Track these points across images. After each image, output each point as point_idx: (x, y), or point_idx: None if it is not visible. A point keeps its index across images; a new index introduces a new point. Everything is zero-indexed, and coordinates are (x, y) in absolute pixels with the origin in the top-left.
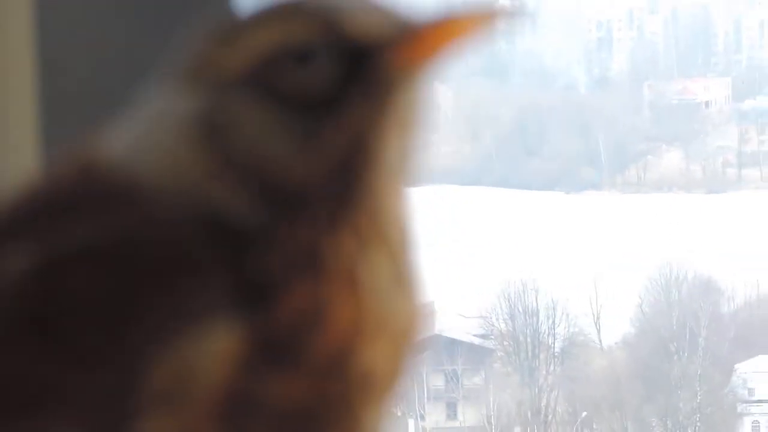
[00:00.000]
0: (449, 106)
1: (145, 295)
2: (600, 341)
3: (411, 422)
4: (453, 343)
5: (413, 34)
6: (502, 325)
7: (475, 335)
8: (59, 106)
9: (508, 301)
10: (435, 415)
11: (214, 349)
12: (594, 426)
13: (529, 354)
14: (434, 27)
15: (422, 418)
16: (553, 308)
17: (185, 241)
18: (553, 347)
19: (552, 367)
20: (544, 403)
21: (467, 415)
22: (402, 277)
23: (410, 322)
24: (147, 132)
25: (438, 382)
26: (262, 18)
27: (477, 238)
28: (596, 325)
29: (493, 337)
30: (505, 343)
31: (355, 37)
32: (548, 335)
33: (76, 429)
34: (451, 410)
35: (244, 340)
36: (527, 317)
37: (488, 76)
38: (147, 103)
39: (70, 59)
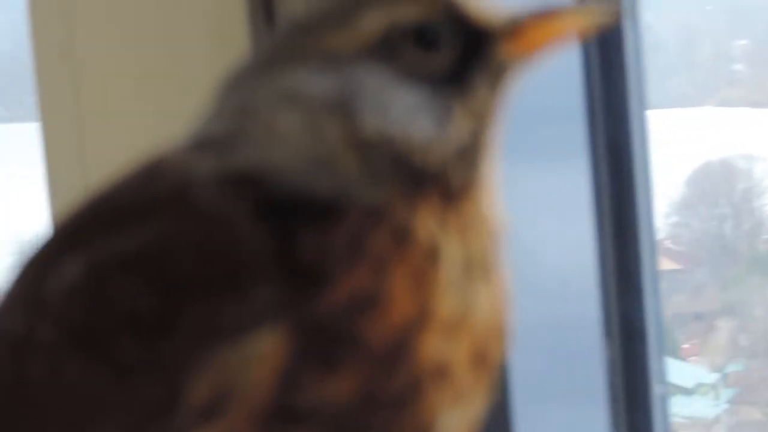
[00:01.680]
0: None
1: (185, 305)
2: None
3: None
4: None
5: (524, 26)
6: None
7: None
8: None
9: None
10: None
11: (257, 357)
12: None
13: None
14: (542, 21)
15: None
16: None
17: (233, 244)
18: None
19: None
20: None
21: None
22: (488, 271)
23: (495, 318)
24: (251, 120)
25: None
26: None
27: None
28: None
29: None
30: None
31: (473, 21)
32: None
33: None
34: None
35: (290, 339)
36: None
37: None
38: (232, 97)
39: None
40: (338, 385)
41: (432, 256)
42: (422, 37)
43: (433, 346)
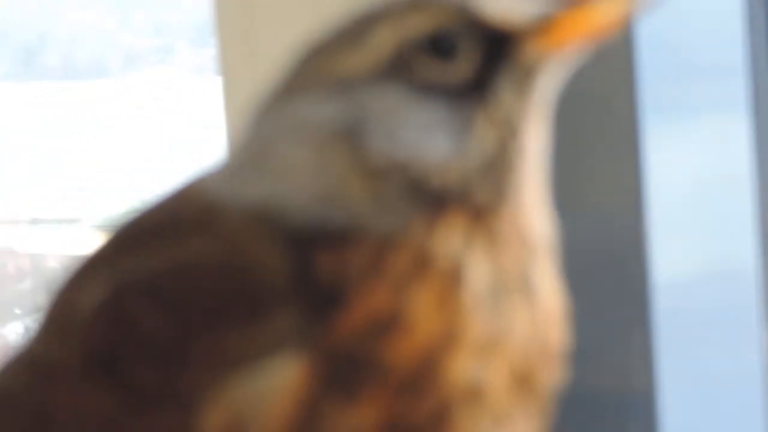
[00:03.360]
0: None
1: (201, 330)
2: None
3: None
4: None
5: (554, 22)
6: None
7: None
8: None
9: None
10: None
11: (275, 386)
12: None
13: None
14: (574, 14)
15: None
16: None
17: (251, 267)
18: None
19: None
20: None
21: None
22: (528, 290)
23: (540, 340)
24: (268, 149)
25: None
26: (391, 10)
27: None
28: None
29: None
30: None
31: (493, 23)
32: None
33: None
34: None
35: (311, 365)
36: None
37: None
38: (259, 126)
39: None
40: (362, 413)
41: (455, 276)
42: (436, 47)
43: (463, 369)
